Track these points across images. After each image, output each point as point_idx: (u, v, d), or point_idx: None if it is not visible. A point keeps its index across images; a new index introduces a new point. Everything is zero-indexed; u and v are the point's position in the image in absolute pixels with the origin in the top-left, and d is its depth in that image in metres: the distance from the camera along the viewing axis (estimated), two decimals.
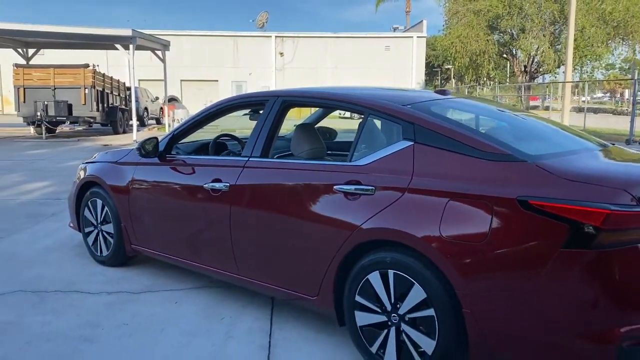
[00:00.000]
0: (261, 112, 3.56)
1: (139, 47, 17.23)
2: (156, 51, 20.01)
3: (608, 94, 73.61)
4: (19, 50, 19.74)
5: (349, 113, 18.63)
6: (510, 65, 24.42)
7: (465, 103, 3.82)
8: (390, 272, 2.67)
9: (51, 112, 16.44)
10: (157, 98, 26.86)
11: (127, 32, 15.73)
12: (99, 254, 4.54)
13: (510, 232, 2.36)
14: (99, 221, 4.49)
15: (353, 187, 2.84)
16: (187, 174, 3.78)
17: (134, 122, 17.45)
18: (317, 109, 4.80)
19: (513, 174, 2.44)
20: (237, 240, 3.40)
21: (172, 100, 36.09)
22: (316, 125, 4.57)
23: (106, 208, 4.38)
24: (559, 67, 24.02)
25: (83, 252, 4.77)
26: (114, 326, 3.36)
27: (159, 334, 3.26)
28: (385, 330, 2.73)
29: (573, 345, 2.27)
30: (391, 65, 39.37)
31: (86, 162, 4.85)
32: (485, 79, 25.83)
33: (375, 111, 3.02)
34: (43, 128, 16.42)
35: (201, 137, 4.87)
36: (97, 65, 17.56)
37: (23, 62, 19.47)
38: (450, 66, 26.74)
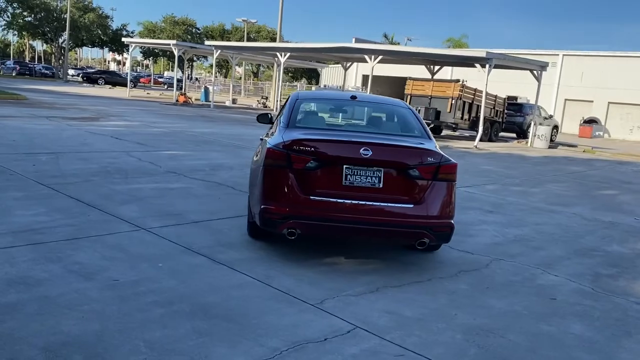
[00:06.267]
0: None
1: (499, 67, 19.50)
2: (533, 71, 21.61)
3: None
4: (429, 67, 24.88)
5: None
6: None
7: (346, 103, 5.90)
8: None
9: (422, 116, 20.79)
10: (550, 116, 27.80)
11: (482, 54, 18.34)
12: None
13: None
14: None
15: None
16: None
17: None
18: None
19: (278, 133, 4.87)
20: None
21: (591, 121, 35.65)
22: None
23: None
24: None
25: None
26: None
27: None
28: None
29: (258, 206, 4.66)
30: None
31: None
32: None
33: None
34: None
35: None
36: (466, 81, 20.80)
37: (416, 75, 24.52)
38: None
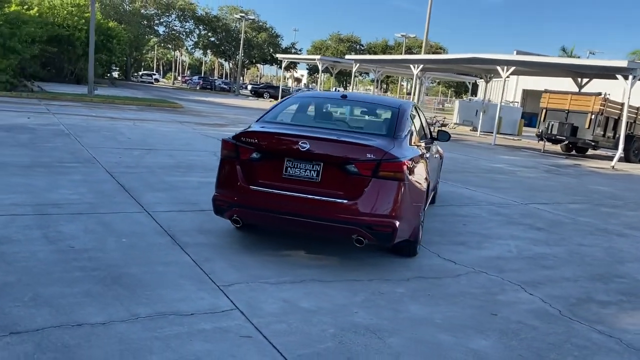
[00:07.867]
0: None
1: None
2: None
3: None
4: (575, 79, 22.77)
5: None
6: None
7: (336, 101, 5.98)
8: None
9: (554, 132, 19.04)
10: None
11: (623, 64, 16.27)
12: None
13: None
14: None
15: None
16: None
17: None
18: None
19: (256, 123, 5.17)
20: None
21: None
22: None
23: None
24: None
25: None
26: None
27: None
28: None
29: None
30: None
31: None
32: None
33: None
34: (543, 143, 19.30)
35: None
36: (609, 94, 18.58)
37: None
38: None
